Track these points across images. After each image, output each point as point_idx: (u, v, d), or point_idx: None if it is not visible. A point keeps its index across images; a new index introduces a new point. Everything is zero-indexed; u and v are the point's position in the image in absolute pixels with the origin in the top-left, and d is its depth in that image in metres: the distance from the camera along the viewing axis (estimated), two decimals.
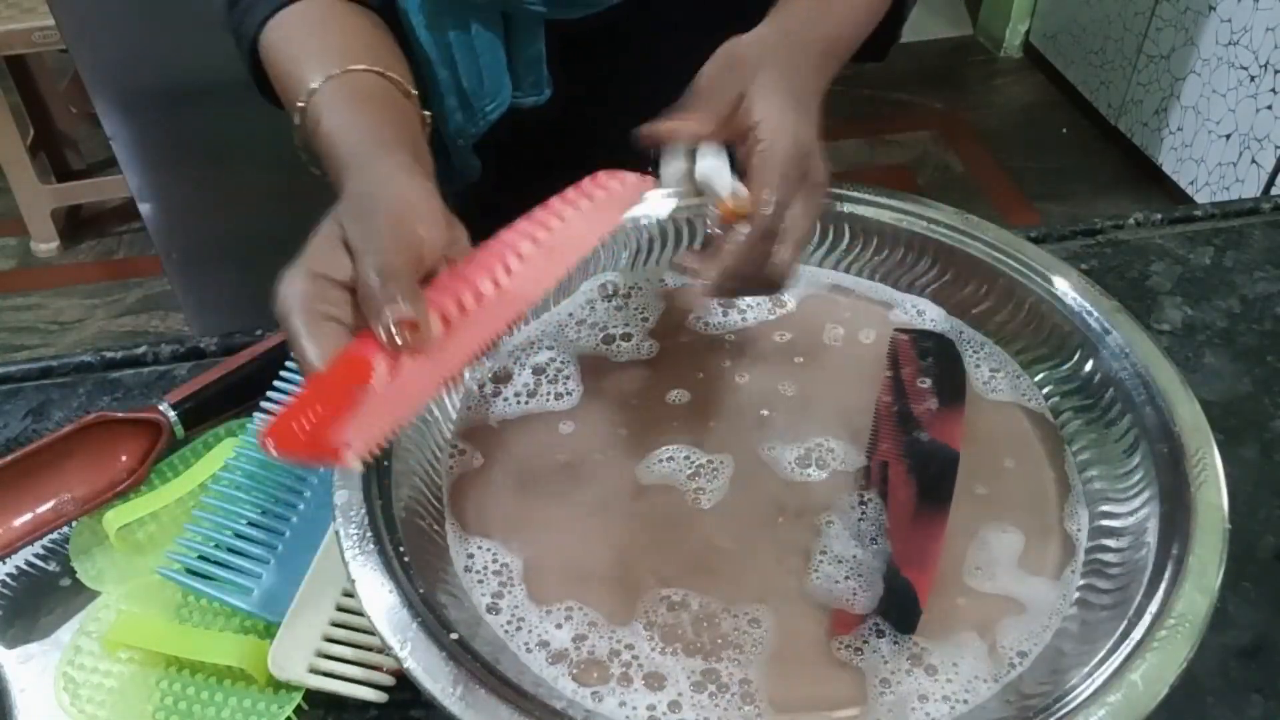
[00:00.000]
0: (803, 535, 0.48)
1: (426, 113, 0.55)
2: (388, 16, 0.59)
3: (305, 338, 0.38)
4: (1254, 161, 1.91)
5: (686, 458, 0.52)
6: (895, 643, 0.44)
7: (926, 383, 0.54)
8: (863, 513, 0.49)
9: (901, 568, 0.46)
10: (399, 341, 0.38)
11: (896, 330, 0.58)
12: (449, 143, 0.66)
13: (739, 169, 0.47)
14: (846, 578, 0.46)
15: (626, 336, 0.59)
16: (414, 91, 0.54)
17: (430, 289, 0.41)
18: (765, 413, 0.54)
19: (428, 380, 0.39)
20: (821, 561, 0.47)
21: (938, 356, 0.56)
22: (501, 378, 0.56)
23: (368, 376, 0.38)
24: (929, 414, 0.53)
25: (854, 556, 0.47)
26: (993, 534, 0.49)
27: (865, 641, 0.44)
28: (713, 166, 0.47)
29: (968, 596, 0.46)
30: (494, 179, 0.69)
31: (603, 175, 0.48)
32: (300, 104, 0.51)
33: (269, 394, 0.57)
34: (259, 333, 0.65)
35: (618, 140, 0.49)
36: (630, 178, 0.49)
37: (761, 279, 0.47)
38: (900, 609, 0.44)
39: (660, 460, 0.52)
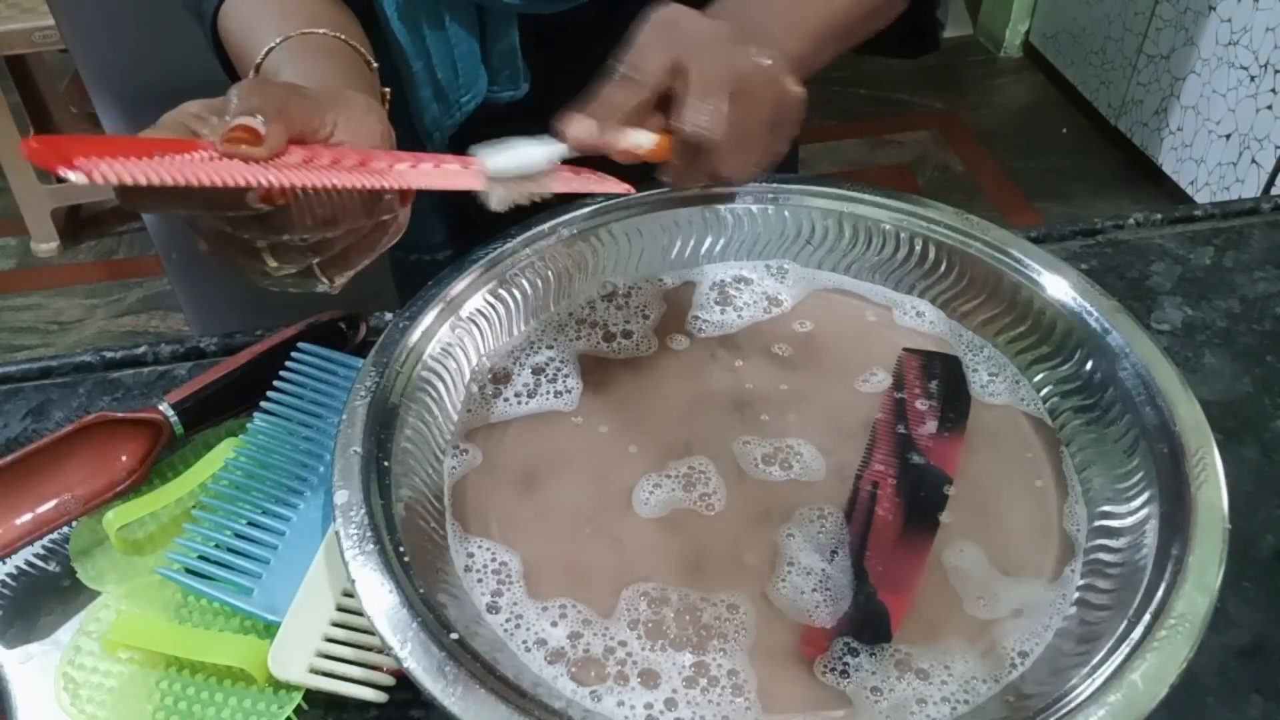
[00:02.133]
0: (782, 541, 0.48)
1: (386, 89, 0.55)
2: (363, 9, 0.59)
3: (152, 129, 0.39)
4: (1254, 161, 1.91)
5: (679, 463, 0.52)
6: (873, 654, 0.44)
7: (928, 405, 0.54)
8: (822, 526, 0.49)
9: (878, 589, 0.45)
10: (228, 142, 0.38)
11: (905, 350, 0.57)
12: (425, 136, 0.66)
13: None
14: (813, 589, 0.46)
15: (627, 334, 0.59)
16: (375, 64, 0.54)
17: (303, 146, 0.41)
18: (756, 415, 0.54)
19: (230, 175, 0.37)
20: (790, 572, 0.47)
21: (943, 380, 0.55)
22: (501, 378, 0.56)
23: (174, 150, 0.37)
24: (927, 438, 0.52)
25: (821, 570, 0.47)
26: (991, 533, 0.49)
27: (845, 663, 0.44)
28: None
29: (962, 597, 0.46)
30: None
31: (589, 170, 0.49)
32: (256, 63, 0.51)
33: (269, 394, 0.57)
34: (259, 333, 0.65)
35: None
36: (616, 185, 0.50)
37: (716, 180, 0.50)
38: (872, 631, 0.44)
39: (657, 463, 0.52)
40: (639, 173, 0.51)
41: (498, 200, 0.46)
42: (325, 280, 0.45)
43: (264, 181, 0.37)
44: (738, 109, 0.48)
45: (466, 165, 0.46)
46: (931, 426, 0.53)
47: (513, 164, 0.45)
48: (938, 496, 0.50)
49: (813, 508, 0.49)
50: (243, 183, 0.37)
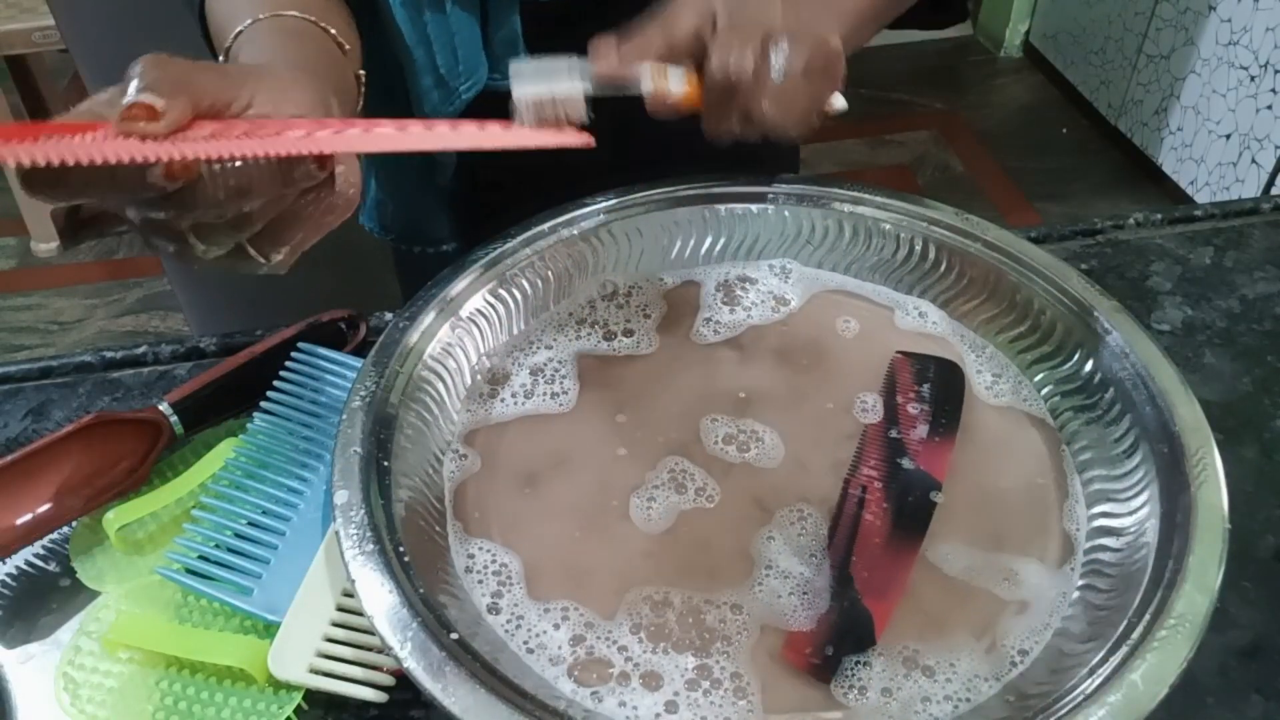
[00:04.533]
0: (763, 544, 0.48)
1: (361, 72, 0.55)
2: None
3: (62, 116, 0.38)
4: (1254, 161, 1.91)
5: (676, 466, 0.52)
6: (880, 654, 0.44)
7: (919, 409, 0.54)
8: (802, 529, 0.49)
9: (863, 595, 0.45)
10: (124, 120, 0.37)
11: (899, 353, 0.57)
12: None
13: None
14: (790, 593, 0.46)
15: (629, 333, 0.59)
16: (348, 46, 0.53)
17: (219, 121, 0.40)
18: (754, 416, 0.54)
19: (118, 151, 0.36)
20: (768, 575, 0.47)
21: (936, 384, 0.55)
22: (499, 378, 0.56)
23: (71, 132, 0.36)
24: (917, 442, 0.52)
25: (800, 573, 0.47)
26: (989, 534, 0.49)
27: (858, 677, 0.43)
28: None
29: (963, 597, 0.46)
30: (473, 166, 0.69)
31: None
32: (225, 47, 0.50)
33: (269, 394, 0.57)
34: (259, 333, 0.65)
35: (599, 123, 0.49)
36: (574, 138, 0.49)
37: (754, 130, 0.50)
38: (855, 638, 0.44)
39: (655, 464, 0.52)
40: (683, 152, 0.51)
41: (522, 115, 0.48)
42: (261, 258, 0.43)
43: (154, 156, 0.36)
44: (769, 53, 0.49)
45: (483, 127, 0.45)
46: (923, 431, 0.53)
47: (535, 72, 0.47)
48: (926, 503, 0.50)
49: (792, 509, 0.49)
50: (129, 158, 0.35)
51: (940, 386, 0.55)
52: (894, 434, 0.53)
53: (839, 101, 0.55)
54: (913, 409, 0.54)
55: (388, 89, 0.64)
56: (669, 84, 0.49)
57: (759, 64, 0.48)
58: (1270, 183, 1.88)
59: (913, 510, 0.49)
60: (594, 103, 0.49)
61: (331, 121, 0.43)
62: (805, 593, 0.46)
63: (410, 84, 0.64)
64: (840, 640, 0.44)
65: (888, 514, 0.49)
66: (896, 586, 0.46)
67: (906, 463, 0.51)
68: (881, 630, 0.44)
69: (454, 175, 0.72)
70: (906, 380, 0.55)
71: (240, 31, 0.50)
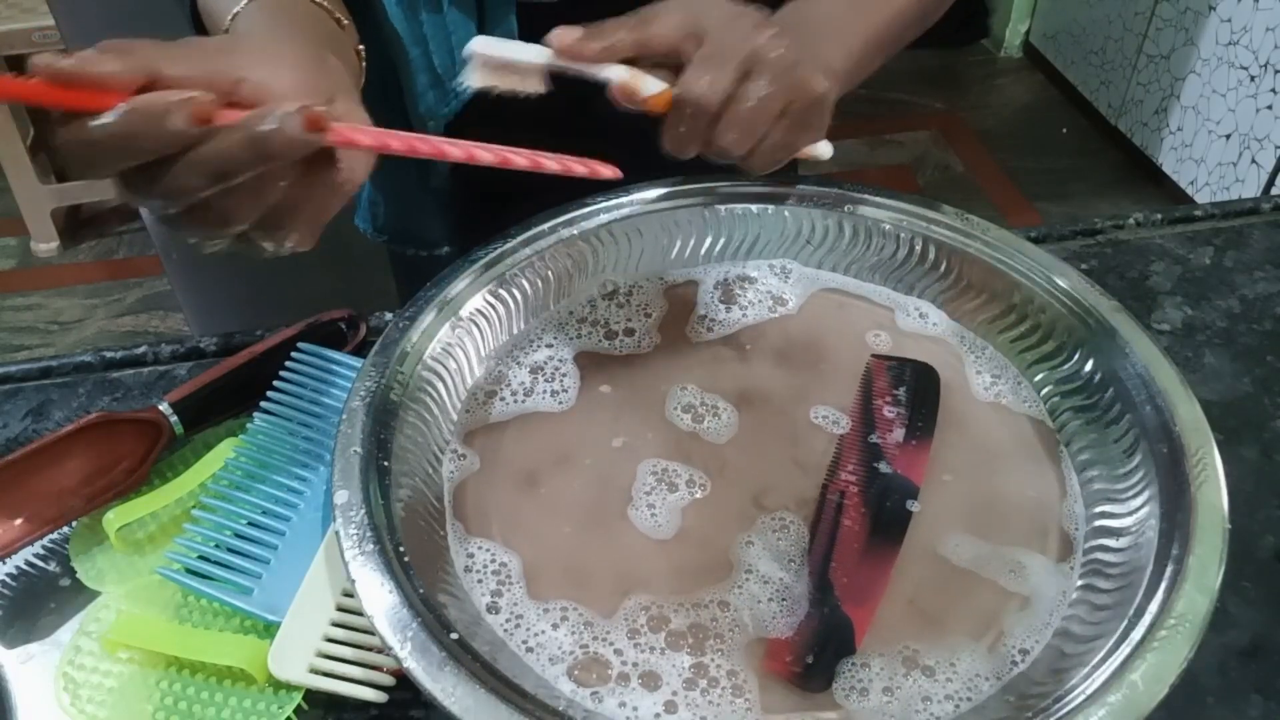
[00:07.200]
0: (741, 549, 0.48)
1: (360, 47, 0.54)
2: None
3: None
4: (1254, 161, 1.91)
5: (668, 469, 0.52)
6: (880, 654, 0.44)
7: (895, 412, 0.54)
8: (782, 536, 0.48)
9: (843, 601, 0.45)
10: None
11: (874, 355, 0.57)
12: (420, 125, 0.65)
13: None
14: (770, 599, 0.46)
15: (629, 332, 0.59)
16: (346, 21, 0.53)
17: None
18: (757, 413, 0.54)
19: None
20: (748, 580, 0.47)
21: (912, 386, 0.55)
22: (499, 378, 0.56)
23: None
24: (894, 445, 0.52)
25: (780, 579, 0.47)
26: (990, 532, 0.49)
27: (859, 679, 0.43)
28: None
29: (964, 594, 0.46)
30: (468, 171, 0.69)
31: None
32: (223, 30, 0.50)
33: (269, 394, 0.57)
34: (259, 333, 0.65)
35: (595, 125, 0.49)
36: (605, 170, 0.49)
37: (717, 158, 0.49)
38: (836, 645, 0.44)
39: (651, 462, 0.52)
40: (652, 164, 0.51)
41: (476, 79, 0.48)
42: (269, 244, 0.43)
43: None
44: (746, 86, 0.47)
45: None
46: (898, 434, 0.53)
47: (496, 48, 0.47)
48: (904, 507, 0.49)
49: (775, 516, 0.49)
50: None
51: (916, 390, 0.55)
52: (872, 439, 0.53)
53: (822, 149, 0.54)
54: (889, 413, 0.54)
55: (383, 87, 0.64)
56: (642, 83, 0.48)
57: (732, 97, 0.47)
58: (1270, 183, 1.88)
59: (891, 515, 0.49)
60: (576, 90, 0.48)
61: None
62: (784, 599, 0.46)
63: (405, 83, 0.64)
64: (821, 648, 0.44)
65: (866, 519, 0.49)
66: (876, 592, 0.46)
67: (884, 467, 0.51)
68: (862, 637, 0.44)
69: (448, 179, 0.72)
70: (882, 384, 0.55)
71: (236, 14, 0.50)
